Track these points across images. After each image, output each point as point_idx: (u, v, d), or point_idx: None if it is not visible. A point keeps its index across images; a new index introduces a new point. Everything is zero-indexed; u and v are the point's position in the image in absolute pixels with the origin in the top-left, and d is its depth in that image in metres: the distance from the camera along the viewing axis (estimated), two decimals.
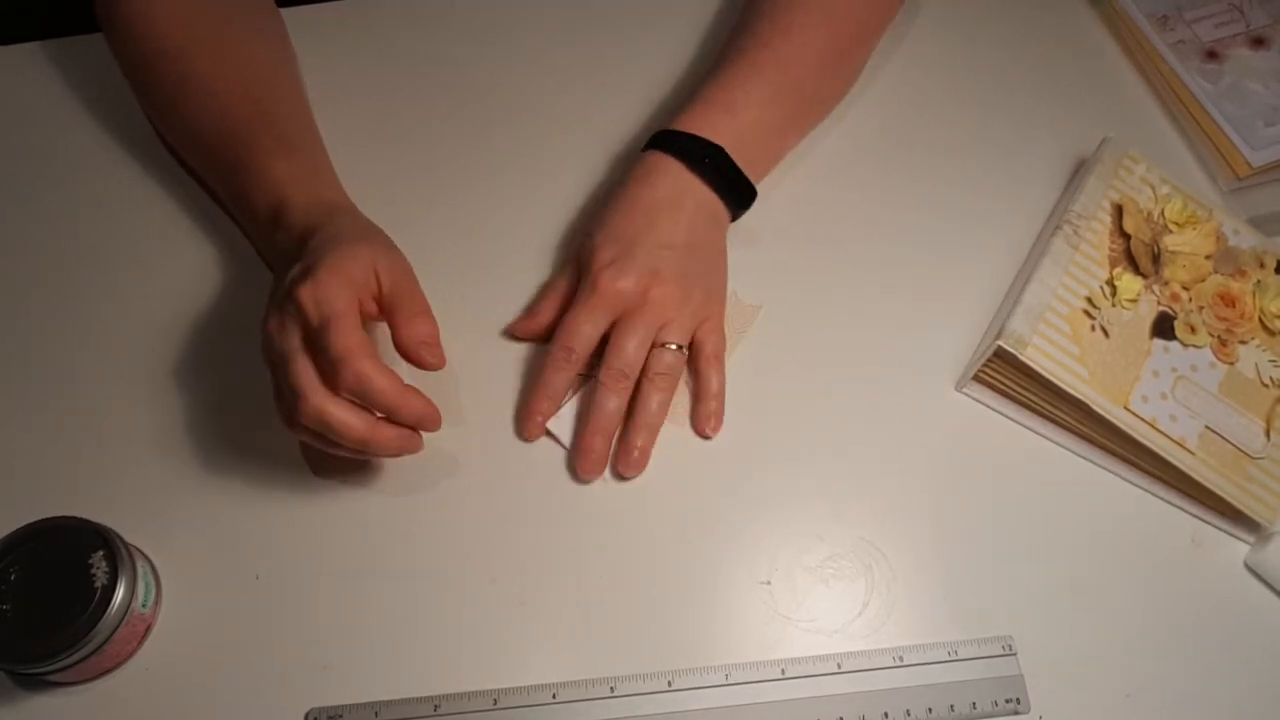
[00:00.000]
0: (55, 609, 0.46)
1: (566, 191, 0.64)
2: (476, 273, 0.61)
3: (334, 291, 0.47)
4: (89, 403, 0.56)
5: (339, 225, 0.52)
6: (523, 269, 0.61)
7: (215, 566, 0.52)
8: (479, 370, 0.57)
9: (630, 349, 0.53)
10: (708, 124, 0.57)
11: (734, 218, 0.59)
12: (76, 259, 0.61)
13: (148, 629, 0.49)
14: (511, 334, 0.58)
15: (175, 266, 0.60)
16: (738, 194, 0.58)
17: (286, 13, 0.67)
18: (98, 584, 0.46)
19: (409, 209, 0.61)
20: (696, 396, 0.56)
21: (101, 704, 0.48)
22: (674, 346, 0.54)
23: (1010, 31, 0.72)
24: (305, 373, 0.46)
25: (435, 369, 0.50)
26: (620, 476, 0.54)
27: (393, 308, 0.49)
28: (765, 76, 0.59)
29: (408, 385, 0.47)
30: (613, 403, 0.53)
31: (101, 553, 0.47)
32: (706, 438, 0.55)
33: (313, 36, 0.68)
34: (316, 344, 0.46)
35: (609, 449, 0.54)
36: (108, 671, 0.49)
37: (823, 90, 0.63)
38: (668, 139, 0.57)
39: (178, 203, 0.63)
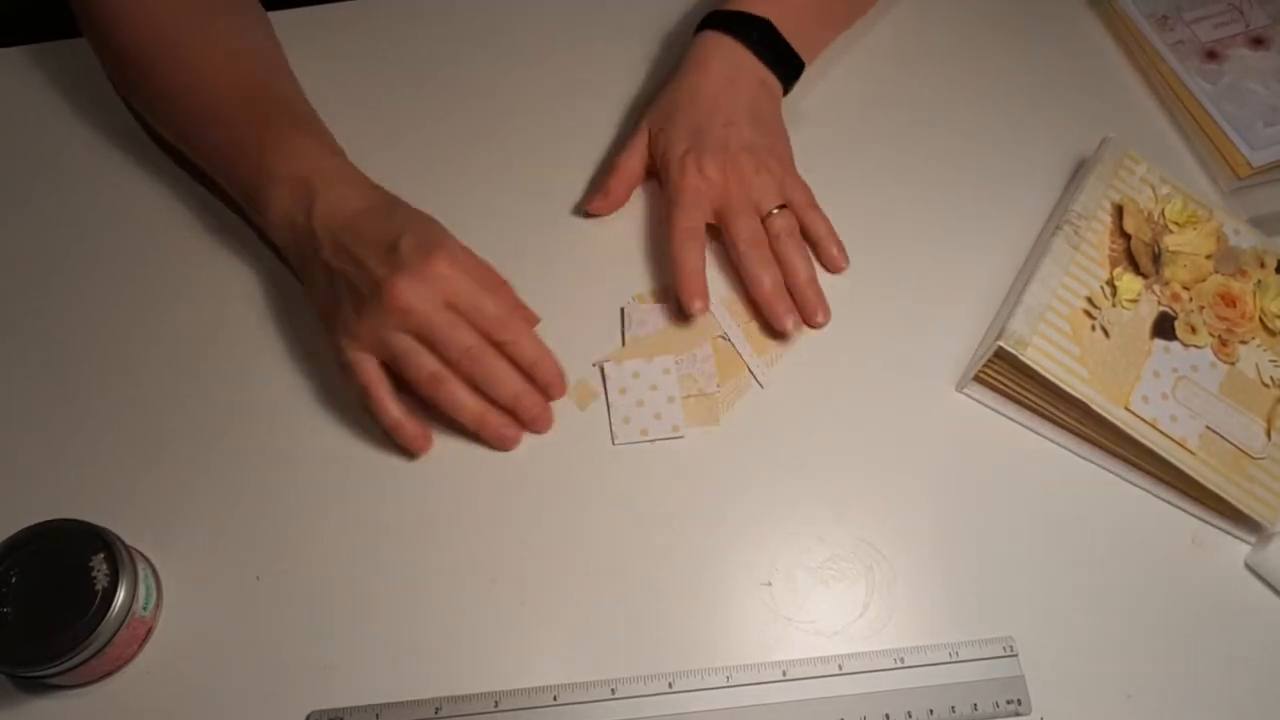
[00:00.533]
0: (56, 612, 0.46)
1: (567, 191, 0.64)
2: None
3: (470, 262, 0.53)
4: (90, 405, 0.56)
5: (400, 205, 0.55)
6: (522, 272, 0.61)
7: (216, 569, 0.52)
8: None
9: (747, 226, 0.58)
10: (753, 4, 0.62)
11: (785, 90, 0.63)
12: (76, 261, 0.61)
13: (148, 632, 0.49)
14: (586, 211, 0.62)
15: (175, 268, 0.60)
16: (787, 66, 0.62)
17: (287, 13, 0.67)
18: (98, 587, 0.46)
19: None
20: (814, 244, 0.61)
21: (102, 707, 0.48)
22: (777, 210, 0.59)
23: (1010, 31, 0.72)
24: (470, 334, 0.51)
25: (536, 322, 0.55)
26: (814, 325, 0.59)
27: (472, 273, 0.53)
28: None
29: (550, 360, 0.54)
30: (766, 269, 0.58)
31: (102, 555, 0.47)
32: (841, 270, 0.61)
33: (309, 37, 0.68)
34: (474, 306, 0.52)
35: (789, 301, 0.58)
36: (108, 674, 0.49)
37: None
38: (716, 18, 0.62)
39: (178, 205, 0.62)
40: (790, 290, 0.58)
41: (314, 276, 0.54)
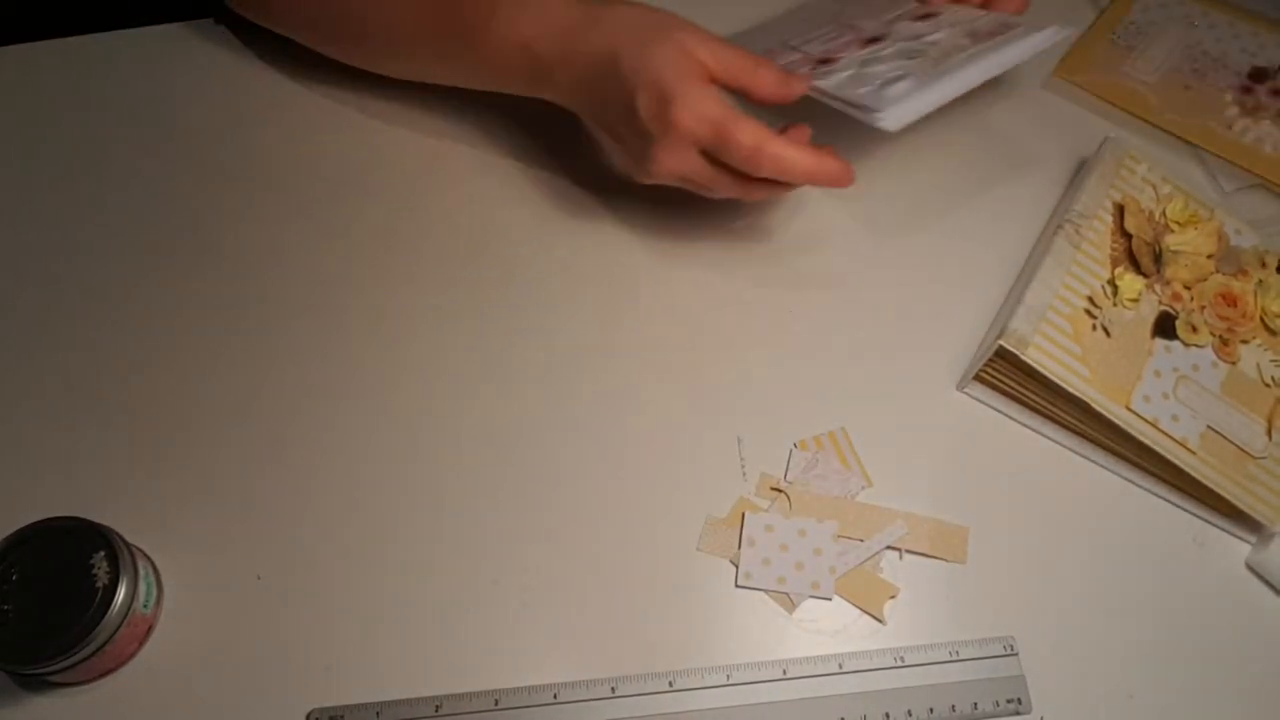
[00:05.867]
0: (57, 609, 0.46)
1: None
2: (481, 286, 0.61)
3: (705, 99, 0.51)
4: (91, 403, 0.56)
5: (626, 25, 0.53)
6: (524, 281, 0.61)
7: (217, 567, 0.52)
8: (478, 378, 0.57)
9: None
10: None
11: None
12: (77, 259, 0.61)
13: (149, 629, 0.49)
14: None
15: (175, 267, 0.60)
16: None
17: None
18: (99, 584, 0.46)
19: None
20: None
21: (103, 704, 0.48)
22: None
23: None
24: (749, 134, 0.50)
25: (803, 93, 0.54)
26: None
27: (729, 75, 0.52)
28: None
29: (817, 147, 0.52)
30: None
31: (103, 553, 0.47)
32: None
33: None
34: (723, 152, 0.51)
35: None
36: (109, 672, 0.49)
37: None
38: None
39: (178, 206, 0.63)
40: None
41: None
